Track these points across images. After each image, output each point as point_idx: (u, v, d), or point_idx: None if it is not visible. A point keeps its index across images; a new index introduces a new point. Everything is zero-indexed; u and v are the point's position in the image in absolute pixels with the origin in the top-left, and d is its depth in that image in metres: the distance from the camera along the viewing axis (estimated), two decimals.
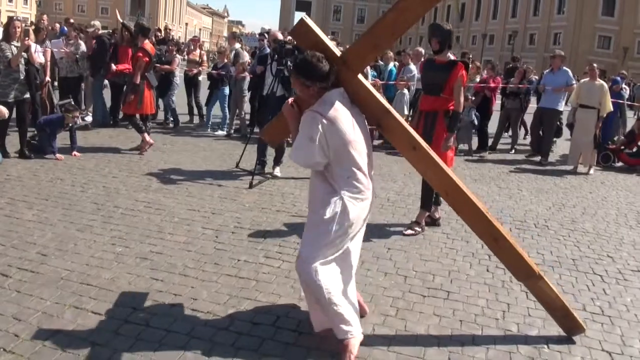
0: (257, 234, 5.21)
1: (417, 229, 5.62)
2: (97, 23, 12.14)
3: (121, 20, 11.22)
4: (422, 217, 5.76)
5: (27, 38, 7.59)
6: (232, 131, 10.90)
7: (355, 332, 3.23)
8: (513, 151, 11.49)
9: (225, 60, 11.05)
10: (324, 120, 3.05)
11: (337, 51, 3.37)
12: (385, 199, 6.75)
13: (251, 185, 6.71)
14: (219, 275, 4.21)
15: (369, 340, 3.41)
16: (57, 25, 18.08)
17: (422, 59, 12.83)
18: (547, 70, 11.36)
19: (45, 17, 12.68)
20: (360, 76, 3.39)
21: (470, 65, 10.05)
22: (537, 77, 13.25)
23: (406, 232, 5.57)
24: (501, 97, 12.46)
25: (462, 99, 5.58)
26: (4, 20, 10.36)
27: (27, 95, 7.59)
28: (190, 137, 10.25)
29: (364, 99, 3.38)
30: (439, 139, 5.50)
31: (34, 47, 8.18)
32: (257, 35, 14.83)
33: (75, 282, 3.91)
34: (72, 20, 13.46)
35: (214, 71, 11.01)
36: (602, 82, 9.93)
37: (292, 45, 6.80)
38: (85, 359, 3.03)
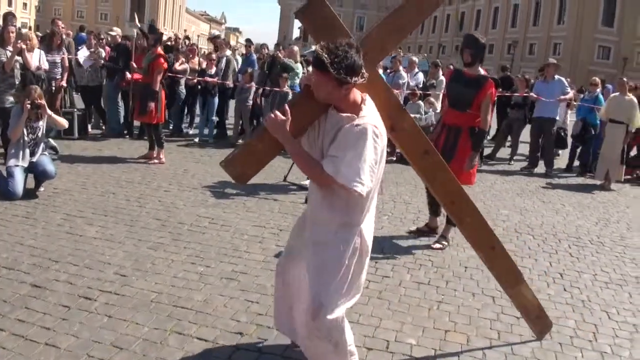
0: None
1: (444, 242, 5.57)
2: (118, 30, 12.07)
3: (139, 25, 11.12)
4: (447, 232, 5.67)
5: (19, 41, 7.47)
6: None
7: None
8: (512, 162, 11.26)
9: (214, 68, 10.84)
10: (381, 137, 2.61)
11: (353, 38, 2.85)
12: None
13: (307, 201, 6.56)
14: None
15: None
16: (70, 32, 17.95)
17: (417, 68, 12.88)
18: (540, 80, 11.22)
19: (60, 22, 12.23)
20: (377, 70, 3.01)
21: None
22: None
23: (434, 246, 5.52)
24: (505, 108, 12.18)
25: (489, 117, 5.49)
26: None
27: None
28: (219, 148, 10.14)
29: (382, 98, 2.94)
30: (461, 156, 5.41)
31: (37, 53, 8.04)
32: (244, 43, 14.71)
33: (168, 305, 3.80)
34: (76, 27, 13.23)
35: (208, 78, 10.71)
36: (632, 97, 9.69)
37: None
38: None
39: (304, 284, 2.91)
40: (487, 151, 11.16)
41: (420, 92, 11.44)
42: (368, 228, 2.85)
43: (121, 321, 3.55)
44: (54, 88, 8.92)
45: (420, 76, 12.84)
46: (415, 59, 13.85)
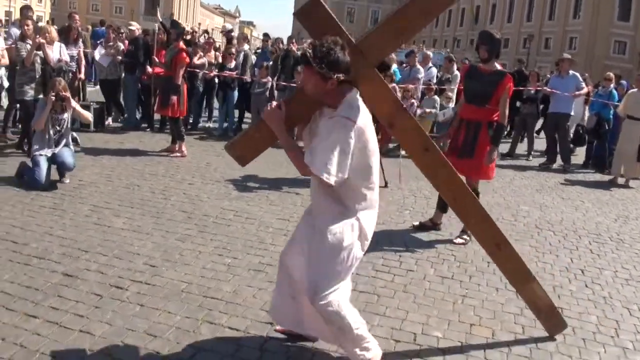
0: None
1: (466, 237, 5.57)
2: (137, 24, 12.16)
3: (160, 20, 11.21)
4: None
5: (37, 36, 7.55)
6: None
7: (376, 352, 3.06)
8: (530, 158, 11.25)
9: (234, 62, 10.94)
10: (356, 129, 2.67)
11: (352, 39, 2.95)
12: None
13: None
14: None
15: None
16: (89, 27, 18.09)
17: (430, 63, 12.86)
18: (555, 75, 11.19)
19: (76, 16, 12.16)
20: (375, 70, 3.06)
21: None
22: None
23: (456, 241, 5.55)
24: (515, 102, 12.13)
25: (507, 111, 5.51)
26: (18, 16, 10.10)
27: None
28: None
29: (380, 96, 3.03)
30: (481, 151, 5.44)
31: (57, 46, 8.10)
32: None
33: (198, 295, 3.88)
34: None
35: (227, 72, 10.82)
36: None
37: None
38: None
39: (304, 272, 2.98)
40: (503, 147, 11.14)
41: (436, 86, 11.45)
42: (367, 219, 2.90)
43: (153, 310, 3.63)
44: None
45: (434, 71, 12.84)
46: (430, 53, 13.79)
